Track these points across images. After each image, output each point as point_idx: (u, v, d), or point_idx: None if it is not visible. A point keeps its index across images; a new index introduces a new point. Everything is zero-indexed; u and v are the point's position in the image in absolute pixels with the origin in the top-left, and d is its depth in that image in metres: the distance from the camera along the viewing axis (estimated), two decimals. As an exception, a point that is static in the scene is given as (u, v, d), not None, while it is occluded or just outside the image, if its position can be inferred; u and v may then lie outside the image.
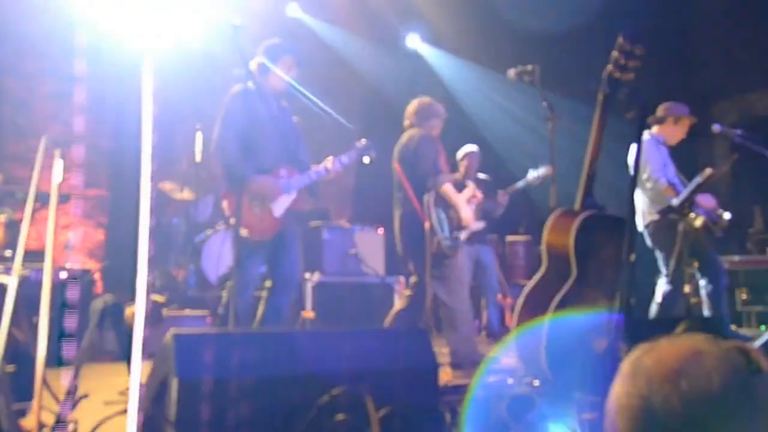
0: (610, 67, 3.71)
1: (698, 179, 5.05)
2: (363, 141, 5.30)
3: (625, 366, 1.28)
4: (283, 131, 4.97)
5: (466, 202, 5.94)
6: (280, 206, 4.82)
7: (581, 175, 4.11)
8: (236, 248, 4.06)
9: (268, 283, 4.97)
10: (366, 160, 5.31)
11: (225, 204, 4.83)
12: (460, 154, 7.80)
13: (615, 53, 3.69)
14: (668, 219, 5.62)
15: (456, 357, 5.39)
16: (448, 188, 5.74)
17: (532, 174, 6.87)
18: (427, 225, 5.38)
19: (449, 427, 3.33)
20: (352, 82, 10.59)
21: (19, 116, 7.71)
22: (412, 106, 6.06)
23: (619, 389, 1.26)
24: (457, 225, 5.80)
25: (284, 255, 4.92)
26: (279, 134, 4.92)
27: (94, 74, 8.30)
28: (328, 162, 5.04)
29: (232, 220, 4.72)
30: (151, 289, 6.63)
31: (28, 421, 2.96)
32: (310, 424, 2.61)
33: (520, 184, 7.12)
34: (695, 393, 1.16)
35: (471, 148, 7.85)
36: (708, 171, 5.03)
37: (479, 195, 6.30)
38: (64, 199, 6.53)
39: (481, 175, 7.52)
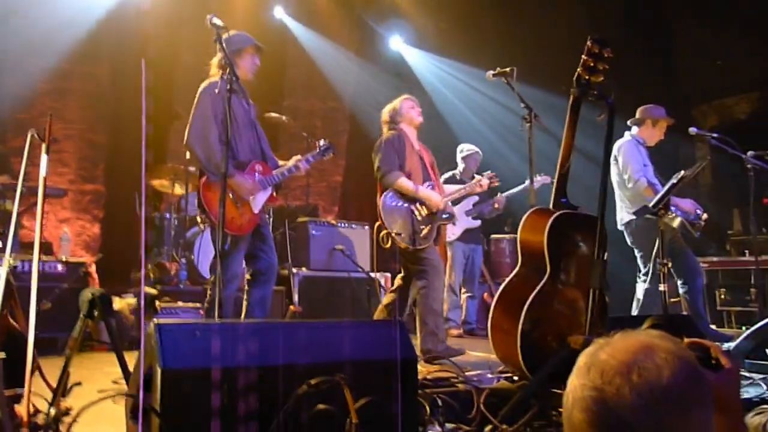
0: (579, 69, 3.79)
1: (673, 181, 5.17)
2: (323, 141, 5.48)
3: (581, 359, 1.33)
4: (251, 125, 5.14)
5: (430, 188, 5.73)
6: (258, 202, 4.97)
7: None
8: (219, 243, 4.14)
9: (248, 276, 5.11)
10: (327, 157, 5.51)
11: (204, 198, 4.86)
12: (461, 153, 7.96)
13: (584, 56, 3.78)
14: (646, 219, 5.72)
15: (424, 353, 5.25)
16: (401, 182, 5.58)
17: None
18: (383, 232, 5.51)
19: (428, 418, 3.41)
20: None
21: (21, 112, 7.80)
22: (383, 113, 6.02)
23: (574, 382, 1.31)
24: (425, 218, 5.59)
25: (263, 244, 5.09)
26: (249, 129, 5.09)
27: (92, 72, 8.44)
28: (297, 161, 5.22)
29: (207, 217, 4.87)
30: (145, 281, 6.70)
31: (21, 408, 3.05)
32: (290, 413, 2.69)
33: (519, 188, 7.33)
34: (645, 384, 1.21)
35: (472, 148, 8.01)
36: (682, 173, 5.15)
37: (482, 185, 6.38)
38: (60, 193, 6.65)
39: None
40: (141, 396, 2.42)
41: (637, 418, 1.21)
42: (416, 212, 5.60)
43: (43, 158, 3.05)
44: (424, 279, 5.53)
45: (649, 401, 1.21)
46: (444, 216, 5.76)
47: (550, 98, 6.97)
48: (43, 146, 3.03)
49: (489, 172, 6.52)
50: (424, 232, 5.59)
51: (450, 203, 6.12)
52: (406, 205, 5.61)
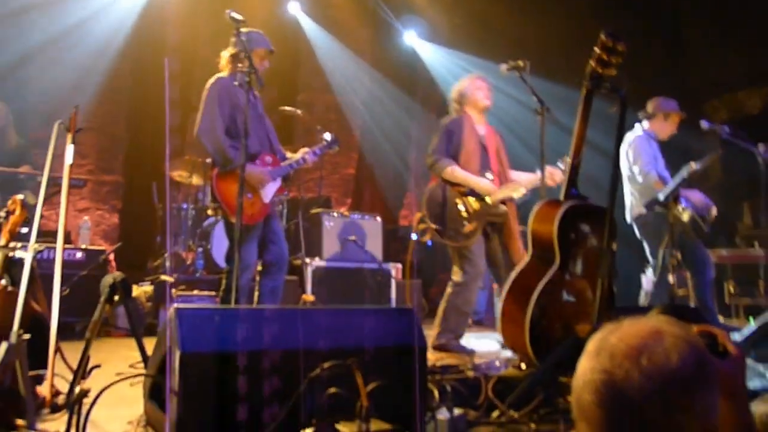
0: (592, 62, 3.80)
1: (683, 173, 5.20)
2: (328, 134, 5.56)
3: (591, 344, 1.36)
4: (259, 119, 5.24)
5: (480, 177, 5.37)
6: (268, 192, 5.07)
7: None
8: (233, 233, 4.22)
9: (259, 267, 5.21)
10: (333, 150, 5.59)
11: (216, 188, 4.97)
12: None
13: (597, 50, 3.78)
14: (656, 212, 5.76)
15: (435, 346, 5.23)
16: (451, 171, 5.31)
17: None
18: (422, 225, 5.31)
19: (437, 404, 3.47)
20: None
21: (43, 104, 7.91)
22: (452, 91, 5.75)
23: (584, 365, 1.34)
24: (474, 213, 5.28)
25: (274, 234, 5.21)
26: (257, 121, 5.18)
27: (113, 66, 8.55)
28: (305, 153, 5.33)
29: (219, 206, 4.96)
30: (161, 270, 6.80)
31: (43, 388, 3.15)
32: (303, 396, 2.76)
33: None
34: (654, 368, 1.24)
35: None
36: (692, 166, 5.19)
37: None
38: (80, 184, 6.76)
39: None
40: (168, 380, 2.50)
41: (645, 401, 1.24)
42: (463, 206, 5.31)
43: (69, 148, 3.15)
44: (461, 277, 5.35)
45: (658, 384, 1.24)
46: (497, 211, 5.39)
47: (562, 91, 7.00)
48: (69, 136, 3.12)
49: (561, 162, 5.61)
50: (468, 228, 5.26)
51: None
52: (453, 196, 5.32)
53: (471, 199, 5.31)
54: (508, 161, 5.66)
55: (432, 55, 11.17)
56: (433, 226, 5.28)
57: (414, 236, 6.40)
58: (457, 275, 5.38)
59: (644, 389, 1.24)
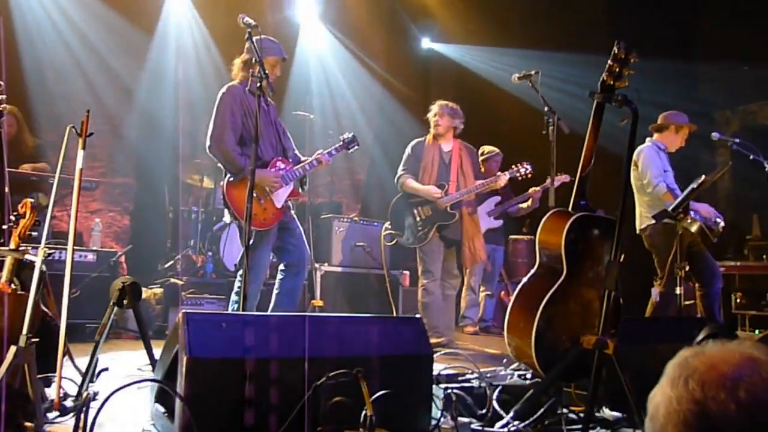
0: (605, 74, 3.78)
1: (693, 186, 5.20)
2: (347, 133, 5.64)
3: (673, 369, 1.26)
4: (272, 125, 5.26)
5: (440, 188, 6.31)
6: (281, 197, 5.09)
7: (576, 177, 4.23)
8: (245, 238, 4.24)
9: (281, 267, 5.23)
10: (352, 150, 5.67)
11: (228, 194, 5.00)
12: (482, 156, 8.04)
13: (610, 61, 3.77)
14: (664, 223, 5.75)
15: None
16: (405, 182, 6.41)
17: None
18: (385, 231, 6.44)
19: (442, 413, 3.48)
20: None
21: (56, 107, 7.96)
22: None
23: (667, 392, 1.24)
24: (426, 219, 6.29)
25: (292, 237, 5.23)
26: (270, 128, 5.21)
27: (123, 69, 8.60)
28: (319, 154, 5.34)
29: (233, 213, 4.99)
30: (171, 272, 6.81)
31: (52, 391, 3.17)
32: (309, 404, 2.77)
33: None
34: (753, 400, 1.16)
35: (492, 150, 8.09)
36: (702, 178, 5.18)
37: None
38: (92, 186, 6.80)
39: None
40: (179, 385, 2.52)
41: None
42: (417, 212, 6.33)
43: (80, 154, 3.17)
44: (422, 278, 6.37)
45: (757, 418, 1.16)
46: (447, 216, 6.27)
47: (573, 100, 7.01)
48: (80, 141, 3.15)
49: (516, 167, 6.69)
50: (422, 231, 6.28)
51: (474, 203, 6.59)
52: (410, 205, 6.35)
53: (424, 207, 6.33)
54: (473, 172, 6.55)
55: (454, 54, 11.21)
56: (395, 232, 6.44)
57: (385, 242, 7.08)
58: (420, 277, 6.39)
59: (742, 423, 1.16)
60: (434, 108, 6.59)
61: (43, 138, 7.00)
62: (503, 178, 6.49)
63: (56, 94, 8.04)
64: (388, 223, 6.66)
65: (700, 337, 3.83)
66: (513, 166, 6.64)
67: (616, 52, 3.78)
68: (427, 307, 6.30)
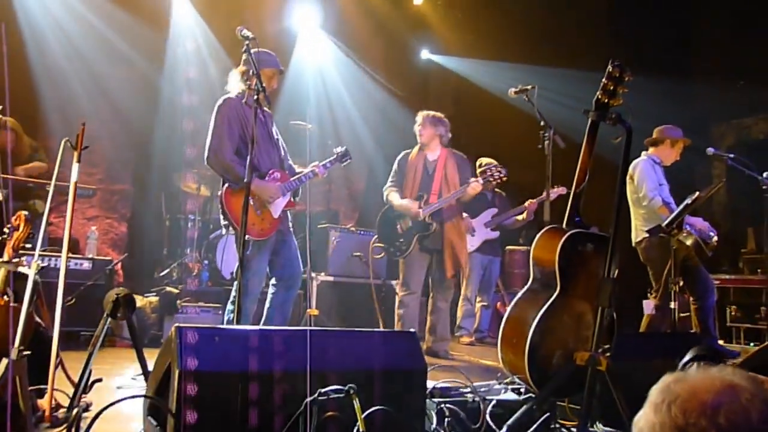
0: (599, 93, 3.78)
1: (687, 201, 5.21)
2: (340, 147, 5.62)
3: (656, 394, 1.29)
4: (269, 136, 5.27)
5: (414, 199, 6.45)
6: (277, 207, 5.09)
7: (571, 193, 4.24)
8: (240, 248, 4.24)
9: (273, 281, 5.23)
10: (345, 164, 5.65)
11: (226, 204, 4.98)
12: (479, 168, 8.06)
13: (605, 80, 3.77)
14: (660, 237, 5.76)
15: None
16: (388, 195, 6.60)
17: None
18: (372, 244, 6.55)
19: (434, 427, 3.47)
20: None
21: (56, 114, 7.98)
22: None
23: (650, 418, 1.27)
24: (406, 231, 6.42)
25: (287, 250, 5.23)
26: (267, 139, 5.22)
27: (125, 75, 8.62)
28: (314, 166, 5.37)
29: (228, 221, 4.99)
30: (167, 281, 6.79)
31: (44, 402, 3.17)
32: (301, 419, 2.77)
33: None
34: (733, 428, 1.18)
35: (490, 161, 8.11)
36: (696, 194, 5.20)
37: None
38: (89, 193, 6.80)
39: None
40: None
41: None
42: (399, 224, 6.49)
43: (75, 167, 3.17)
44: (400, 290, 6.54)
45: None
46: (426, 227, 6.37)
47: (570, 113, 7.03)
48: (75, 154, 3.15)
49: (489, 171, 6.69)
50: (403, 243, 6.42)
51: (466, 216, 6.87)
52: (394, 217, 6.52)
53: (405, 219, 6.47)
54: (459, 179, 6.56)
55: (453, 65, 11.24)
56: (382, 245, 6.55)
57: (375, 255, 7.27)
58: (398, 289, 6.60)
59: None
60: (418, 118, 6.74)
61: (41, 142, 7.00)
62: (476, 185, 6.46)
63: (55, 99, 8.05)
64: (375, 235, 6.84)
65: (687, 358, 3.83)
66: (487, 171, 6.64)
67: (610, 70, 3.79)
68: (402, 318, 6.47)
